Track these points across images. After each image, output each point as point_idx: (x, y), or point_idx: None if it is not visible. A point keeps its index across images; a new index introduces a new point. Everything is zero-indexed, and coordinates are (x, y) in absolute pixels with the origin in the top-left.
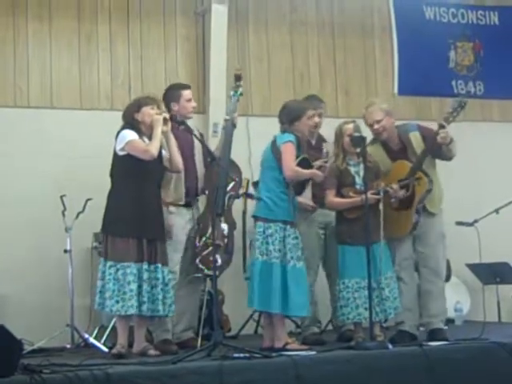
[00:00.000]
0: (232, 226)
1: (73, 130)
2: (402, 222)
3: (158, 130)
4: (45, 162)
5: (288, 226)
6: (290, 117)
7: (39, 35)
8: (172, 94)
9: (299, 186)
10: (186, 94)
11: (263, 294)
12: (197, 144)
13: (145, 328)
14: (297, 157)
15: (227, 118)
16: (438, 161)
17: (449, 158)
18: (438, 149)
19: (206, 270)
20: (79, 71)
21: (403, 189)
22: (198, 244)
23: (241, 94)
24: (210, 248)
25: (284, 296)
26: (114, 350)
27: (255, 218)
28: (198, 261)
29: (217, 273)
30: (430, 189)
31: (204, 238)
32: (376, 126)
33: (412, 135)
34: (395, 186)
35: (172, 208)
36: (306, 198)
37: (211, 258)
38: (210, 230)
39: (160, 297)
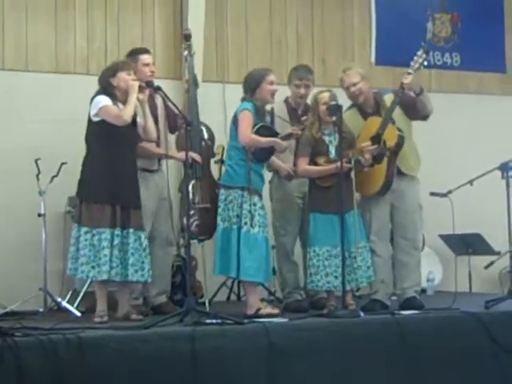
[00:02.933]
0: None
1: (48, 94)
2: (375, 177)
3: (133, 96)
4: (19, 125)
5: (245, 193)
6: (250, 85)
7: None
8: (130, 59)
9: (262, 154)
10: (143, 58)
11: (223, 259)
12: (160, 109)
13: (128, 292)
14: (255, 124)
15: (187, 78)
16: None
17: (425, 116)
18: (411, 106)
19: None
20: (55, 34)
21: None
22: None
23: (193, 54)
24: (200, 212)
25: (238, 260)
26: (97, 319)
27: (220, 185)
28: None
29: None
30: (401, 139)
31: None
32: (353, 89)
33: (386, 97)
34: (367, 155)
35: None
36: (286, 164)
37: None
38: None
39: (132, 262)
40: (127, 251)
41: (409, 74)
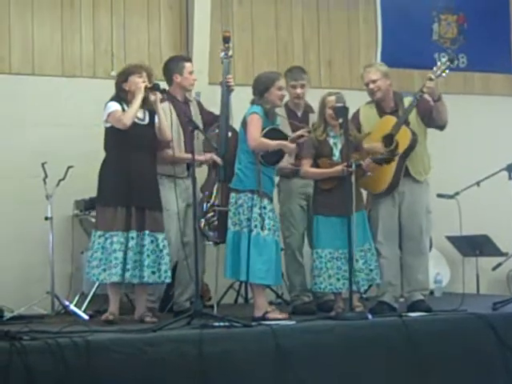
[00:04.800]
0: None
1: (55, 98)
2: (383, 176)
3: (137, 98)
4: (26, 129)
5: (255, 196)
6: (259, 88)
7: (21, 1)
8: (175, 65)
9: (271, 157)
10: (189, 66)
11: (234, 263)
12: (194, 113)
13: (145, 295)
14: (265, 127)
15: (222, 81)
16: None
17: (441, 126)
18: (427, 113)
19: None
20: (61, 38)
21: (380, 163)
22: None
23: (230, 56)
24: (218, 215)
25: (248, 263)
26: (103, 317)
27: (230, 189)
28: (206, 228)
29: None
30: (414, 142)
31: (208, 205)
32: (371, 86)
33: (406, 99)
34: (368, 160)
35: (164, 179)
36: (286, 162)
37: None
38: (212, 198)
39: (147, 264)
40: (143, 253)
41: (431, 79)
